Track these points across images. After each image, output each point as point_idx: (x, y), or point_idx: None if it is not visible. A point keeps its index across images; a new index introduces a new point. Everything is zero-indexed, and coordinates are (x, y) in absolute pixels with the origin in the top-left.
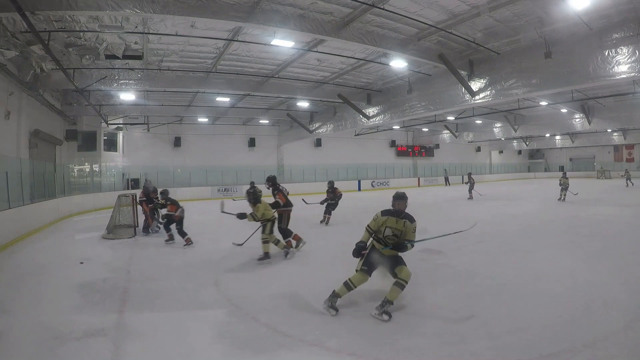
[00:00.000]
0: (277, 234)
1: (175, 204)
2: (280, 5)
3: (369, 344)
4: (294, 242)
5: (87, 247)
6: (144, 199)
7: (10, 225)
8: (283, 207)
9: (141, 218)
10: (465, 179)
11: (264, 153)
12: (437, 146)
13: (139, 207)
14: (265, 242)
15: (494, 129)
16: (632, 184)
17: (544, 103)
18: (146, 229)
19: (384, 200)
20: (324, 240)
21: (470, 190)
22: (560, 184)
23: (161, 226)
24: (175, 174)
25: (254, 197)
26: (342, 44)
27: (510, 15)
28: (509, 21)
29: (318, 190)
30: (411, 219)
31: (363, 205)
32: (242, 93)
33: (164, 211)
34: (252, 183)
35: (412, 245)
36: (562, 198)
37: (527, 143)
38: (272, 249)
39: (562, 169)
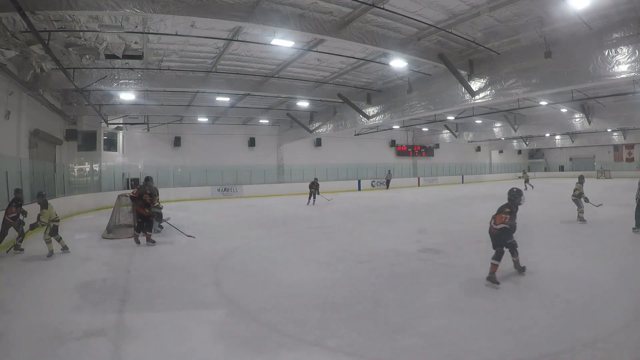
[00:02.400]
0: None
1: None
2: (280, 5)
3: (369, 343)
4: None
5: (87, 247)
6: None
7: None
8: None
9: None
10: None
11: (264, 153)
12: (437, 146)
13: None
14: (47, 241)
15: (494, 129)
16: (532, 187)
17: (544, 103)
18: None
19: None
20: (325, 241)
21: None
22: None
23: (163, 225)
24: (175, 174)
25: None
26: (342, 44)
27: (510, 15)
28: (509, 21)
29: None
30: None
31: (363, 205)
32: (242, 93)
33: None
34: None
35: None
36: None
37: (527, 143)
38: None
39: (561, 168)
